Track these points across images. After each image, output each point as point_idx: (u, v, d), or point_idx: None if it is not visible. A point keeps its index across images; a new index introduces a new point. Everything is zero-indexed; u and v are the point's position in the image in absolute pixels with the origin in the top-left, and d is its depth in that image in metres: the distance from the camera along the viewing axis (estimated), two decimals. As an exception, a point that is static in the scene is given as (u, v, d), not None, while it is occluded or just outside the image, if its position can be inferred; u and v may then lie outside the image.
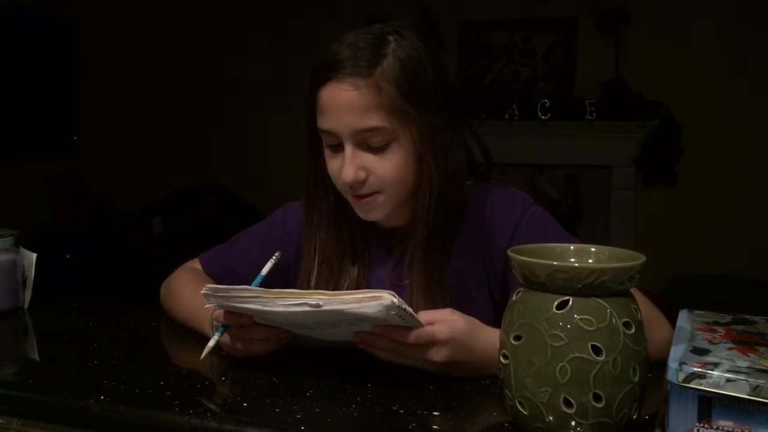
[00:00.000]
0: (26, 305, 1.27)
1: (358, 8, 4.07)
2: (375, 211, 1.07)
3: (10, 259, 1.23)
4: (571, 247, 0.81)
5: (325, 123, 1.03)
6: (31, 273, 1.28)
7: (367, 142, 1.02)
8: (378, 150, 1.02)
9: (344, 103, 1.00)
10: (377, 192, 1.05)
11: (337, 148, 1.04)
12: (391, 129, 1.01)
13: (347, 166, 1.02)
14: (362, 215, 1.09)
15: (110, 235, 4.15)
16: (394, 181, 1.04)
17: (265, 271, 1.02)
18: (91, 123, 4.50)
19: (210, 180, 4.45)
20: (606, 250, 0.79)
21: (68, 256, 3.80)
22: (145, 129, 4.92)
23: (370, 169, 1.03)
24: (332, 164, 1.06)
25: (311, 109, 1.06)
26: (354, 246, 1.14)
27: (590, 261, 0.79)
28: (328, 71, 1.02)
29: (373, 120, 1.00)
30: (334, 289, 1.09)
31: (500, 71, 4.25)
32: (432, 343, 0.87)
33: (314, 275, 1.13)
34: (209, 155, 4.75)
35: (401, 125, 1.02)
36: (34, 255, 1.29)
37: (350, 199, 1.08)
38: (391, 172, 1.03)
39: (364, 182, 1.03)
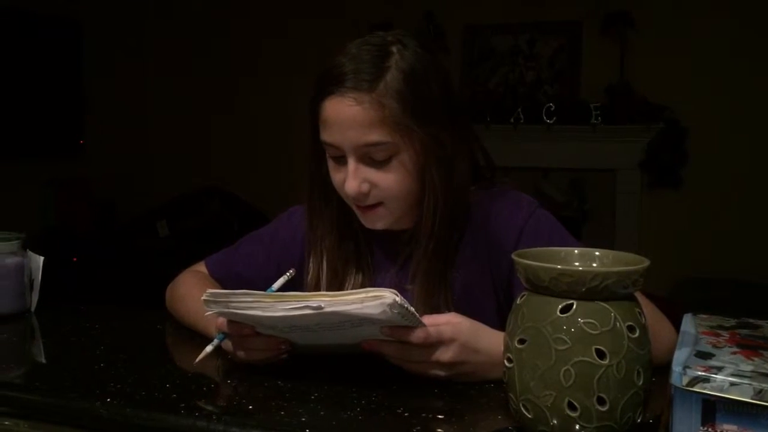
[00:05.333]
0: (33, 308, 1.28)
1: (360, 11, 4.08)
2: (379, 221, 1.08)
3: (17, 262, 1.24)
4: (576, 251, 0.81)
5: (328, 136, 1.04)
6: (38, 276, 1.29)
7: (370, 155, 1.02)
8: (381, 163, 1.03)
9: (347, 117, 1.00)
10: (380, 203, 1.06)
11: (341, 160, 1.05)
12: (394, 143, 1.01)
13: (350, 180, 1.03)
14: (367, 225, 1.10)
15: (115, 239, 4.16)
16: (396, 193, 1.05)
17: (276, 286, 1.02)
18: (98, 126, 4.51)
19: (213, 183, 4.46)
20: (610, 254, 0.79)
21: (75, 259, 3.82)
22: (149, 133, 4.94)
23: (374, 182, 1.04)
24: (336, 175, 1.07)
25: (314, 120, 1.06)
26: (358, 251, 1.15)
27: (594, 265, 0.79)
28: (330, 84, 1.02)
29: (376, 135, 1.00)
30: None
31: (505, 75, 4.25)
32: (438, 342, 0.87)
33: (323, 280, 1.13)
34: (213, 158, 4.76)
35: (404, 139, 1.02)
36: (42, 258, 1.29)
37: (354, 209, 1.09)
38: (393, 185, 1.04)
39: (367, 194, 1.04)
